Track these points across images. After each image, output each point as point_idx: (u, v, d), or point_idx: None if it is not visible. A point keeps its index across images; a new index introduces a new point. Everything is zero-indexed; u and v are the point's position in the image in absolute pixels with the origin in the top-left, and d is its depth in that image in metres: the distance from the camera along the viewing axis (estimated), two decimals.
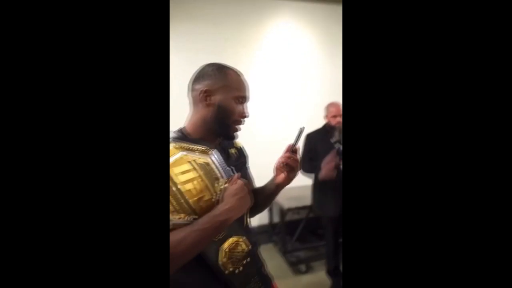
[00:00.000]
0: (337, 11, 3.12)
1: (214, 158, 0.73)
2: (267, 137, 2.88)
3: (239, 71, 0.81)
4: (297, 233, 2.70)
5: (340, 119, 1.91)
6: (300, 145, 0.86)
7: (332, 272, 2.07)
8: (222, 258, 0.69)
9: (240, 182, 0.71)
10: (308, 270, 2.45)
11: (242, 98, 0.78)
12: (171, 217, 0.62)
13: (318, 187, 2.01)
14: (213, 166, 0.72)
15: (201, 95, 0.75)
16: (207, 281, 0.70)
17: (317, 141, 1.96)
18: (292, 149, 0.83)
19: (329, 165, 1.78)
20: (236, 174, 0.74)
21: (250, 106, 0.82)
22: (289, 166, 0.83)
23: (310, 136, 2.01)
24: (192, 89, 0.78)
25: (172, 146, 0.69)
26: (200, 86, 0.76)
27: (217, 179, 0.71)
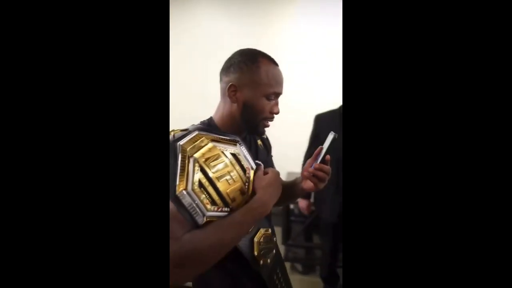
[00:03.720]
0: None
1: (243, 148, 0.69)
2: (289, 125, 2.60)
3: (274, 61, 0.70)
4: (303, 227, 2.42)
5: None
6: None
7: (325, 279, 1.91)
8: (256, 250, 0.67)
9: (273, 171, 0.69)
10: (305, 271, 2.29)
11: (274, 95, 0.70)
12: (207, 207, 0.58)
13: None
14: (241, 156, 0.67)
15: (227, 90, 0.68)
16: (237, 275, 0.68)
17: (325, 126, 1.64)
18: (323, 158, 0.74)
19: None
20: (262, 165, 0.71)
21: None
22: (318, 177, 0.74)
23: (319, 118, 1.70)
24: (220, 79, 0.72)
25: (203, 136, 0.64)
26: (227, 79, 0.69)
27: (245, 169, 0.67)
